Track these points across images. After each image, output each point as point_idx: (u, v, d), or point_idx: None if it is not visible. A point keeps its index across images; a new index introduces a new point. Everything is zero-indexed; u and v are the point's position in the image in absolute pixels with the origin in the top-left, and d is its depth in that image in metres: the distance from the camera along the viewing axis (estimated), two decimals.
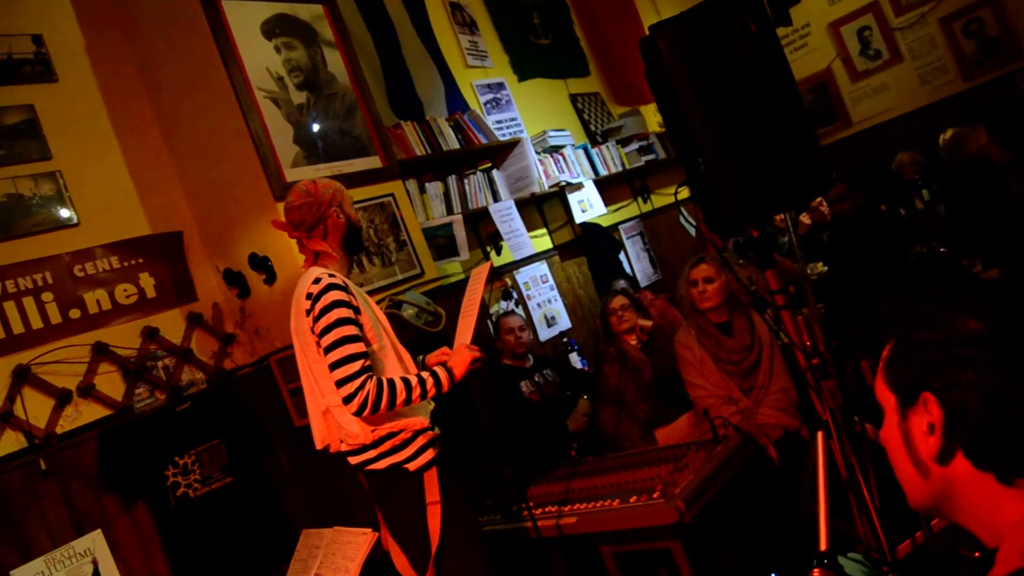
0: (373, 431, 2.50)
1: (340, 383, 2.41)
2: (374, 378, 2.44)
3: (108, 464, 3.08)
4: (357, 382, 2.40)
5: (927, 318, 0.93)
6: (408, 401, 2.50)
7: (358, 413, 2.43)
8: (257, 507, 3.41)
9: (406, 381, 2.50)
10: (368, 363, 2.45)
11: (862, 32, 7.09)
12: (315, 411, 2.60)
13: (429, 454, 2.56)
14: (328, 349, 2.42)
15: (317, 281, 2.48)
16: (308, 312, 2.47)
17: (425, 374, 2.55)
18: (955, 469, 0.92)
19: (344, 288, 2.49)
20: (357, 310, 2.49)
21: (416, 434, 2.55)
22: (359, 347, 2.44)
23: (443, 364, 2.61)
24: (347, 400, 2.41)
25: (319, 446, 2.61)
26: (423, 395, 2.52)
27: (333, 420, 2.54)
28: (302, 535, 3.14)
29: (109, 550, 2.99)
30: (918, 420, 0.94)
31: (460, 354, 2.65)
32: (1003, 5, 6.47)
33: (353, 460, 2.58)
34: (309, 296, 2.47)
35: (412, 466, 2.53)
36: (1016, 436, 0.87)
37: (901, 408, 0.96)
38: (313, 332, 2.47)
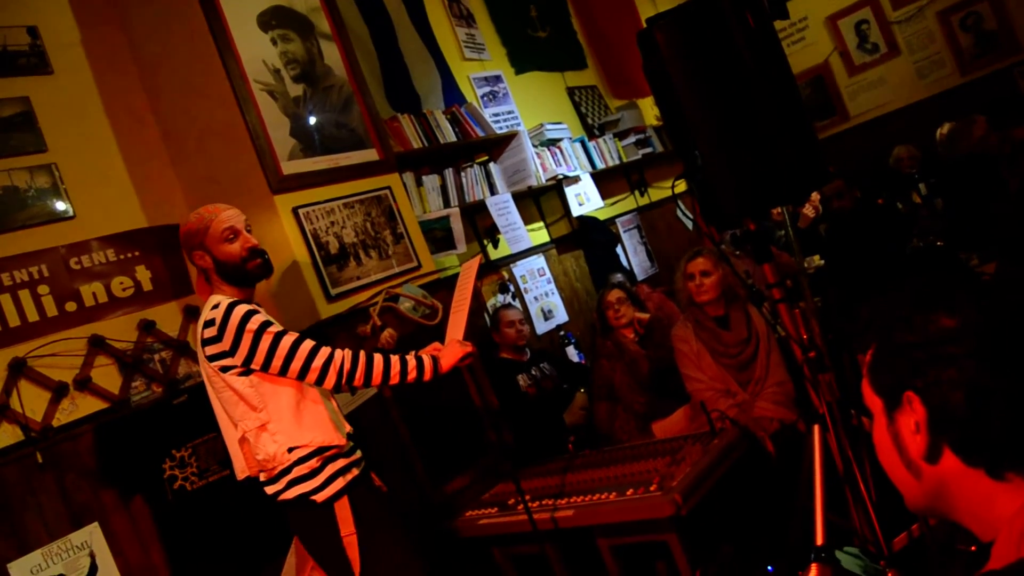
0: (290, 451, 2.43)
1: (303, 370, 2.37)
2: (347, 349, 2.42)
3: (105, 457, 3.08)
4: (322, 355, 2.38)
5: (904, 320, 0.95)
6: (386, 377, 2.46)
7: (336, 388, 2.40)
8: (254, 499, 3.41)
9: (386, 358, 2.47)
10: (316, 342, 2.41)
11: (860, 26, 7.08)
12: (231, 443, 2.52)
13: (338, 483, 2.48)
14: (269, 355, 2.37)
15: (216, 306, 2.42)
16: (212, 340, 2.40)
17: (410, 356, 2.52)
18: (945, 466, 0.92)
19: (248, 301, 2.47)
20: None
21: (326, 462, 2.48)
22: (295, 335, 2.41)
23: (433, 357, 2.59)
24: (320, 379, 2.38)
25: (239, 477, 2.53)
26: (403, 375, 2.49)
27: (249, 448, 2.47)
28: None
29: (106, 543, 2.99)
30: (905, 420, 0.95)
31: (451, 348, 2.63)
32: None
33: (268, 491, 2.51)
34: (211, 323, 2.40)
35: (319, 497, 2.45)
36: (1001, 429, 0.88)
37: (888, 410, 0.98)
38: (231, 355, 2.39)
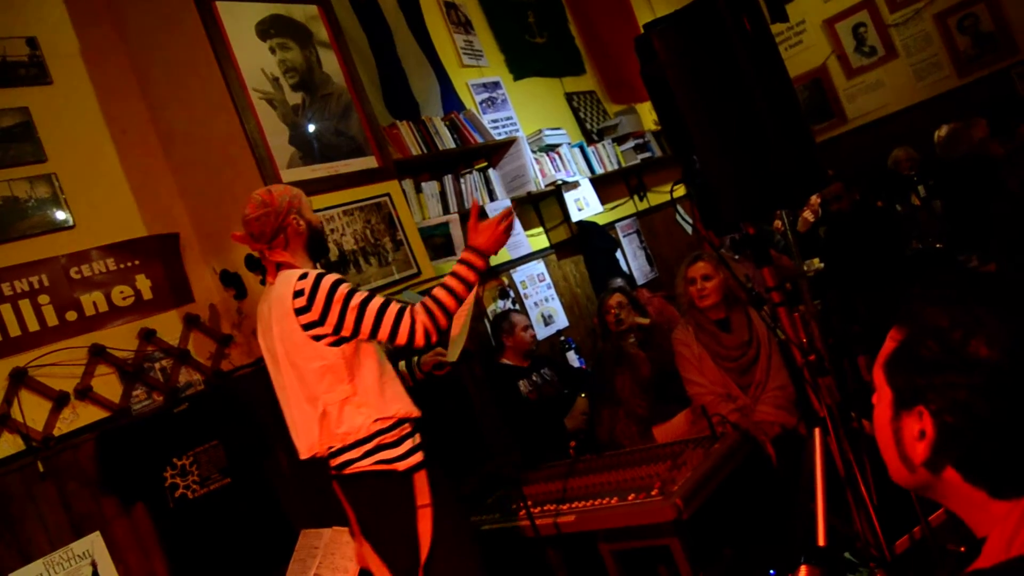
0: (376, 420, 2.43)
1: (392, 333, 2.40)
2: (416, 305, 2.46)
3: (106, 466, 3.07)
4: (406, 320, 2.41)
5: (939, 332, 0.89)
6: (459, 302, 2.50)
7: (426, 345, 2.44)
8: (256, 508, 3.41)
9: (436, 294, 2.50)
10: (397, 303, 2.44)
11: (857, 29, 7.10)
12: (304, 419, 2.47)
13: (418, 457, 2.48)
14: (358, 320, 2.39)
15: (304, 276, 2.42)
16: (302, 310, 2.39)
17: (448, 276, 2.54)
18: (943, 476, 0.91)
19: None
20: None
21: (407, 435, 2.48)
22: (381, 298, 2.44)
23: (467, 248, 2.58)
24: (410, 341, 2.41)
25: (305, 455, 2.50)
26: (468, 289, 2.53)
27: (329, 422, 2.43)
28: (301, 535, 3.14)
29: (108, 552, 2.98)
30: (911, 423, 0.92)
31: (481, 228, 2.59)
32: (998, 1, 6.47)
33: (336, 461, 2.48)
34: (299, 293, 2.39)
35: (401, 466, 2.44)
36: (1013, 464, 0.85)
37: (895, 405, 0.94)
38: (321, 324, 2.38)
